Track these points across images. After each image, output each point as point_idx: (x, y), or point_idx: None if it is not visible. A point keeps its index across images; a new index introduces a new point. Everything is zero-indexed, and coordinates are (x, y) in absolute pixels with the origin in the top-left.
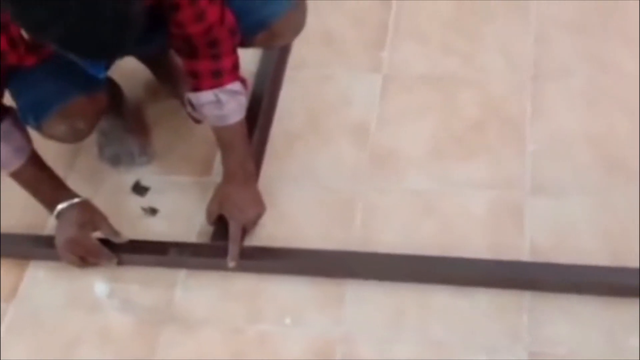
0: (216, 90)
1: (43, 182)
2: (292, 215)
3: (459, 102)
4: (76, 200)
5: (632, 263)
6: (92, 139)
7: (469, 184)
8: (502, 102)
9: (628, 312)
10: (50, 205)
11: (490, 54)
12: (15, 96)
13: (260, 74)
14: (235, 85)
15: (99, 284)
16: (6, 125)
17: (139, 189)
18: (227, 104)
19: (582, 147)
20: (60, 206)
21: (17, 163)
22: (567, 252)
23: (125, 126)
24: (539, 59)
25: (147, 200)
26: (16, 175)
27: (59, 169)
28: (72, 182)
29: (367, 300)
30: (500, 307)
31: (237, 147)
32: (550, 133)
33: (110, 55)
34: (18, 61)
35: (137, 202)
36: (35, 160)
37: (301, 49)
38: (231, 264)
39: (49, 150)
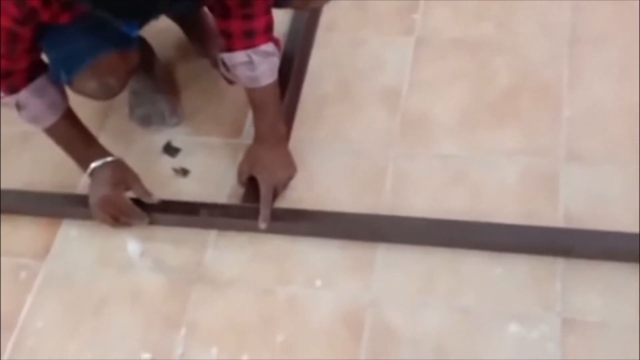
0: (249, 51)
1: (77, 139)
2: (322, 178)
3: (492, 68)
4: (110, 159)
5: None
6: (123, 100)
7: (502, 151)
8: (536, 68)
9: None
10: (83, 163)
11: (526, 19)
12: (47, 51)
13: (291, 35)
14: (269, 47)
15: (131, 243)
16: (41, 81)
17: (170, 150)
18: (259, 65)
19: (617, 116)
20: (94, 164)
21: (51, 119)
22: (601, 220)
23: (156, 86)
24: (576, 25)
25: (178, 161)
26: (50, 131)
27: (90, 129)
28: (102, 142)
29: (398, 265)
30: (533, 273)
31: (268, 108)
32: (585, 101)
33: (144, 14)
34: (51, 18)
35: (168, 163)
36: (69, 117)
37: (333, 11)
38: (262, 225)
39: (80, 110)
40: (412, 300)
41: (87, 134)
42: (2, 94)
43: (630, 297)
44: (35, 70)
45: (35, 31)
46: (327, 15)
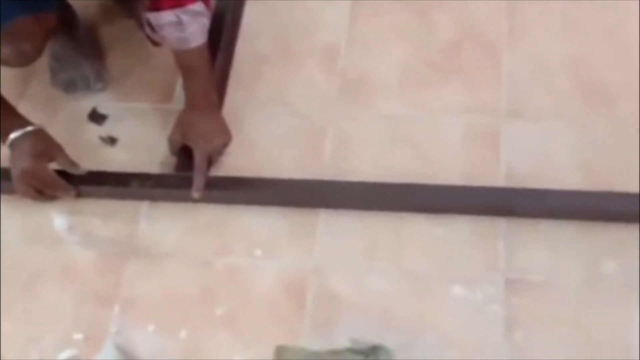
0: (177, 10)
1: None
2: (260, 143)
3: (433, 23)
4: (30, 128)
5: (608, 188)
6: (44, 64)
7: (444, 109)
8: (478, 23)
9: (604, 237)
10: (2, 134)
11: None
12: None
13: None
14: (198, 5)
15: (58, 217)
16: None
17: (96, 117)
18: (188, 25)
19: (560, 71)
20: (12, 135)
21: None
22: (544, 177)
23: (79, 49)
24: None
25: (106, 129)
26: None
27: (8, 98)
28: (23, 111)
29: (340, 230)
30: (476, 234)
31: (199, 72)
32: (527, 56)
33: None
34: None
35: (95, 131)
36: None
37: None
38: (196, 194)
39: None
40: (355, 265)
41: (4, 103)
42: None
43: (574, 255)
44: None
45: None
46: None
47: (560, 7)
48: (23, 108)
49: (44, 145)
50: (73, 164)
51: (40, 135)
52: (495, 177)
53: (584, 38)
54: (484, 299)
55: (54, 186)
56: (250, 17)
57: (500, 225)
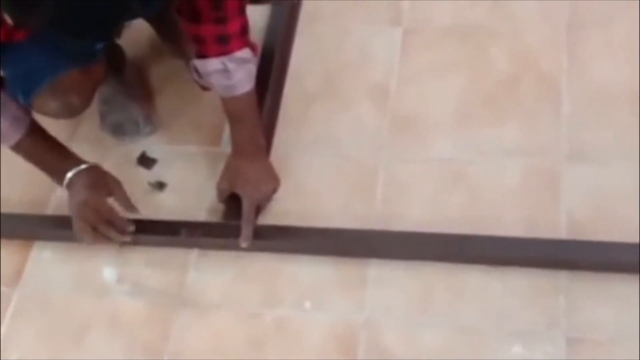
0: (224, 58)
1: (47, 152)
2: (309, 187)
3: (487, 56)
4: (85, 165)
5: None
6: (93, 108)
7: (500, 150)
8: (534, 55)
9: None
10: (58, 175)
11: (522, 1)
12: (4, 70)
13: (271, 29)
14: (245, 53)
15: (107, 269)
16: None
17: (146, 161)
18: (235, 73)
19: (624, 105)
20: (69, 174)
21: (16, 135)
22: (607, 225)
23: (128, 92)
24: (575, 4)
25: (154, 174)
26: (18, 148)
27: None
28: None
29: (392, 281)
30: (536, 288)
31: (246, 118)
32: (588, 90)
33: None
34: (6, 37)
35: (145, 175)
36: (36, 130)
37: (314, 1)
38: (244, 244)
39: (48, 120)
40: (408, 319)
41: (58, 145)
42: None
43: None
44: None
45: None
46: (308, 4)
47: (624, 34)
48: (73, 150)
49: (101, 178)
50: (129, 202)
51: (97, 170)
52: (555, 225)
53: None
54: (544, 358)
55: (111, 218)
56: (299, 55)
57: (561, 279)
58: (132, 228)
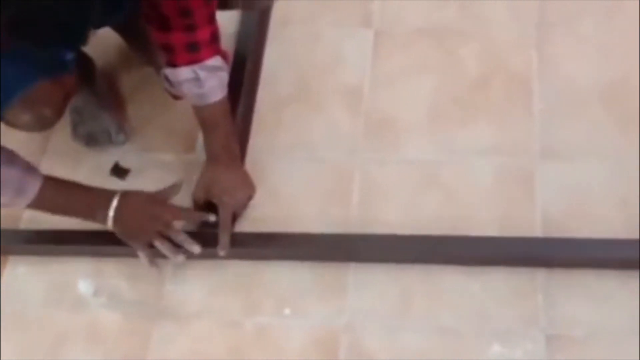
0: (195, 67)
1: (73, 192)
2: (285, 193)
3: (458, 57)
4: (118, 193)
5: None
6: (65, 118)
7: (473, 150)
8: (505, 54)
9: None
10: (93, 214)
11: (490, 0)
12: None
13: (242, 35)
14: (216, 61)
15: (83, 281)
16: (4, 151)
17: (119, 172)
18: (207, 81)
19: (595, 102)
20: (113, 205)
21: (36, 183)
22: (582, 222)
23: (100, 102)
24: (544, 3)
25: (128, 184)
26: (42, 198)
27: (29, 153)
28: (45, 167)
29: (371, 285)
30: (514, 287)
31: (220, 126)
32: (559, 88)
33: (73, 39)
34: None
35: (118, 186)
36: (50, 177)
37: (285, 4)
38: (222, 252)
39: (18, 133)
40: (388, 322)
41: (78, 183)
42: None
43: (618, 307)
44: None
45: None
46: (279, 8)
47: (592, 29)
48: (45, 163)
49: (145, 193)
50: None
51: (133, 192)
52: (531, 224)
53: (620, 61)
54: (524, 357)
55: (180, 215)
56: (271, 60)
57: (539, 277)
58: (208, 216)
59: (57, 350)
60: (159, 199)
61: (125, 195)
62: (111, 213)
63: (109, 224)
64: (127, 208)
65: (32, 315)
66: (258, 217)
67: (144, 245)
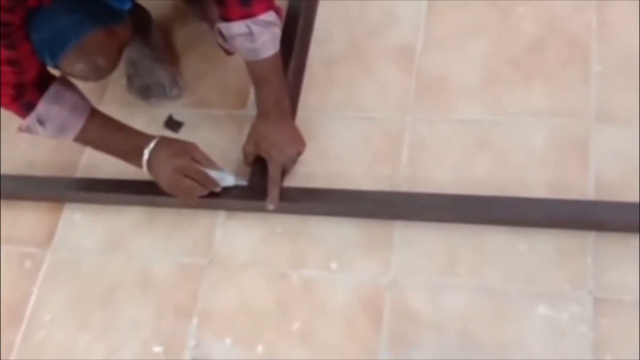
0: (248, 21)
1: (114, 135)
2: (334, 150)
3: (514, 18)
4: (156, 139)
5: None
6: (121, 71)
7: (527, 112)
8: (563, 17)
9: None
10: (130, 156)
11: None
12: (31, 34)
13: None
14: (269, 16)
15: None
16: (55, 87)
17: (173, 124)
18: (260, 36)
19: None
20: (146, 150)
21: (78, 123)
22: (635, 187)
23: (155, 56)
24: None
25: (181, 137)
26: (85, 135)
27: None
28: None
29: (417, 243)
30: (562, 249)
31: (271, 82)
32: (617, 52)
33: None
34: (36, 2)
35: None
36: (97, 116)
37: None
38: (270, 207)
39: (76, 83)
40: (433, 281)
41: (122, 125)
42: (21, 118)
43: None
44: (45, 79)
45: (24, 18)
46: None
47: None
48: None
49: (179, 144)
50: (212, 161)
51: (169, 139)
52: (583, 187)
53: None
54: (570, 319)
55: (204, 180)
56: (323, 19)
57: (588, 240)
58: (220, 188)
59: (110, 297)
60: (191, 147)
61: (161, 141)
62: (144, 157)
63: (144, 167)
64: (160, 154)
65: (87, 262)
66: (307, 173)
67: (181, 184)
